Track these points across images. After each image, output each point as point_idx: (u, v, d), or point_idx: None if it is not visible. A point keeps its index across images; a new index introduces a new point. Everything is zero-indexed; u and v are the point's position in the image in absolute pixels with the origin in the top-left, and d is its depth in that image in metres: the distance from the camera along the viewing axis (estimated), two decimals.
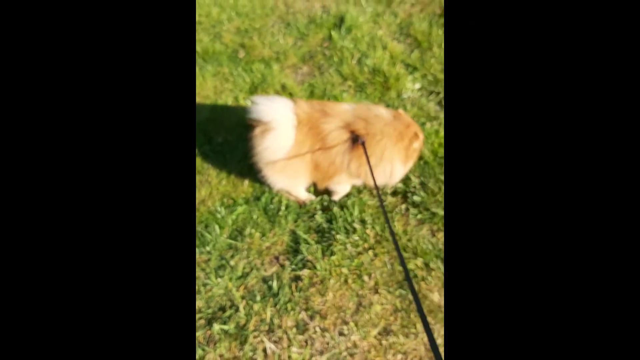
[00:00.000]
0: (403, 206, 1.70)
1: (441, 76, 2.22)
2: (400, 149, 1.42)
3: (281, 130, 1.38)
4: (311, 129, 1.41)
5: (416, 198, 1.69)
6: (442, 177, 1.73)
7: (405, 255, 1.54)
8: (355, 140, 1.38)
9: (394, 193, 1.75)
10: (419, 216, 1.65)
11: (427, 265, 1.51)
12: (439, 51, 2.39)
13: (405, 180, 1.76)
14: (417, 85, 2.22)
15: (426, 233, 1.61)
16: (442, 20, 2.61)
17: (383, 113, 1.43)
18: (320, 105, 1.46)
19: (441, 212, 1.63)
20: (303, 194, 1.74)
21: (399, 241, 1.58)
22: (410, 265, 1.51)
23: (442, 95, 2.14)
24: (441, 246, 1.56)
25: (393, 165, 1.43)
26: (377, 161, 1.40)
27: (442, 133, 1.93)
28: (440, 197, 1.68)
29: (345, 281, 1.50)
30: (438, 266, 1.50)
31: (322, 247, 1.59)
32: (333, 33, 2.58)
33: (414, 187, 1.73)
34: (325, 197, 1.75)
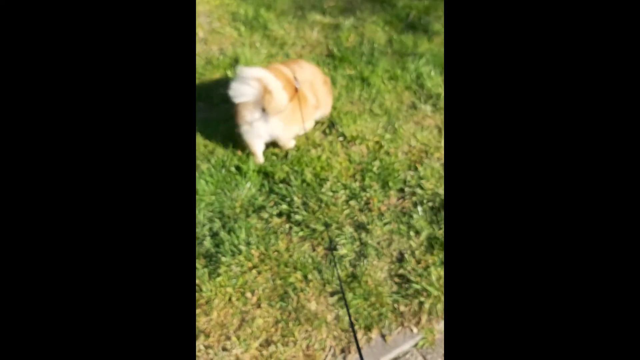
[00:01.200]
0: (287, 225, 1.83)
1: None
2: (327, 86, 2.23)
3: (277, 92, 1.84)
4: (289, 86, 1.94)
5: (298, 217, 1.84)
6: (323, 197, 1.90)
7: (286, 269, 1.66)
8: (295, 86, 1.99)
9: (279, 214, 1.87)
10: (301, 233, 1.79)
11: (305, 277, 1.64)
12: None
13: (289, 202, 1.90)
14: None
15: (307, 248, 1.75)
16: (328, 60, 2.89)
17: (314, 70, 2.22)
18: (282, 66, 2.06)
19: (321, 228, 1.78)
20: (292, 142, 2.21)
21: (281, 258, 1.70)
22: (291, 279, 1.62)
23: (326, 125, 2.36)
24: (319, 258, 1.70)
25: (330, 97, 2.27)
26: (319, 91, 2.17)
27: (323, 157, 2.12)
28: (320, 214, 1.84)
29: (230, 300, 1.58)
30: (315, 277, 1.64)
31: (209, 270, 1.66)
32: (228, 72, 2.75)
33: (297, 207, 1.87)
34: (215, 224, 1.83)
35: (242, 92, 1.80)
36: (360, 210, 1.89)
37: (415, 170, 2.08)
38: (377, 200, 1.93)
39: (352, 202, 1.91)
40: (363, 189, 1.97)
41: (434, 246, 1.73)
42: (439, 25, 3.31)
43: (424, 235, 1.78)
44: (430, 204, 1.91)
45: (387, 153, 2.18)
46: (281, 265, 1.67)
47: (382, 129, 2.34)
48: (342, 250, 1.72)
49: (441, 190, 1.97)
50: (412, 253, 1.71)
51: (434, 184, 2.01)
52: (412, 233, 1.79)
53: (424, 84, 2.67)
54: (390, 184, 2.00)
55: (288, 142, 2.16)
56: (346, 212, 1.87)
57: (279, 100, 1.84)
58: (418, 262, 1.68)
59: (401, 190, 2.00)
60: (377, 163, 2.10)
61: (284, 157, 2.14)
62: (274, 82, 1.82)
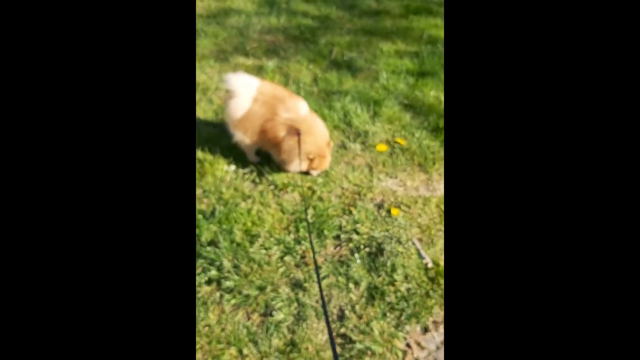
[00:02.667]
0: (217, 294, 1.68)
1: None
2: (315, 157, 2.07)
3: (239, 98, 2.03)
4: (267, 105, 2.04)
5: (229, 283, 1.70)
6: (255, 256, 1.78)
7: (219, 346, 1.51)
8: (294, 132, 2.01)
9: (208, 282, 1.72)
10: (233, 301, 1.65)
11: (240, 352, 1.49)
12: None
13: (219, 266, 1.76)
14: (232, 167, 2.31)
15: (241, 317, 1.61)
16: None
17: (323, 131, 2.12)
18: (283, 92, 2.13)
19: (254, 293, 1.65)
20: (253, 157, 2.31)
21: (212, 334, 1.55)
22: (225, 357, 1.47)
23: (255, 173, 2.26)
24: (255, 328, 1.56)
25: (303, 163, 2.11)
26: (296, 155, 2.05)
27: (254, 211, 2.01)
28: (253, 277, 1.71)
29: None
30: (251, 350, 1.50)
31: None
32: None
33: (228, 271, 1.73)
34: None
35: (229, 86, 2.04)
36: (297, 266, 1.79)
37: (349, 214, 2.03)
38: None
39: (287, 258, 1.81)
40: (298, 241, 1.88)
41: (374, 296, 1.66)
42: (362, 61, 3.37)
43: (363, 285, 1.70)
44: (367, 249, 1.86)
45: (321, 199, 2.12)
46: (213, 342, 1.51)
47: None
48: (278, 315, 1.59)
49: (377, 233, 1.92)
50: (353, 308, 1.63)
51: (369, 227, 1.97)
52: (351, 285, 1.71)
53: (352, 122, 2.67)
54: (326, 232, 1.92)
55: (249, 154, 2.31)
56: (281, 270, 1.76)
57: (234, 108, 2.05)
58: (359, 317, 1.60)
59: (337, 237, 1.93)
60: (310, 211, 2.02)
61: (211, 215, 2.00)
62: (243, 89, 2.03)
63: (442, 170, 2.34)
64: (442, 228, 1.98)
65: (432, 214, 2.05)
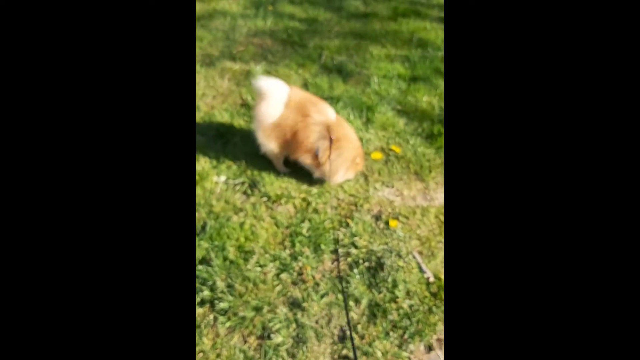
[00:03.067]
0: (211, 316, 1.59)
1: (241, 166, 2.26)
2: (350, 161, 2.02)
3: (271, 101, 1.94)
4: (298, 109, 1.95)
5: (223, 304, 1.60)
6: (250, 275, 1.69)
7: None
8: (328, 137, 1.93)
9: (201, 303, 1.63)
10: (228, 323, 1.56)
11: None
12: (239, 141, 2.46)
13: (212, 286, 1.66)
14: (222, 178, 2.21)
15: (237, 341, 1.52)
16: (243, 110, 2.72)
17: (353, 135, 2.05)
18: (313, 98, 2.04)
19: (250, 314, 1.57)
20: (281, 167, 2.21)
21: (208, 358, 1.45)
22: None
23: (247, 184, 2.16)
24: (252, 352, 1.48)
25: (340, 168, 2.02)
26: (337, 159, 1.97)
27: (247, 225, 1.92)
28: (249, 297, 1.62)
29: None
30: None
31: None
32: None
33: (221, 291, 1.64)
34: None
35: (260, 89, 1.96)
36: (294, 283, 1.71)
37: (346, 227, 1.96)
38: (311, 268, 1.76)
39: (284, 276, 1.72)
40: (294, 257, 1.80)
41: (376, 314, 1.59)
42: (352, 65, 3.30)
43: (364, 303, 1.63)
44: (366, 264, 1.79)
45: (316, 210, 2.04)
46: None
47: (308, 183, 2.20)
48: (277, 338, 1.51)
49: (375, 247, 1.86)
50: (354, 328, 1.55)
51: (367, 239, 1.90)
52: (351, 303, 1.63)
53: None
54: (323, 246, 1.85)
55: (277, 164, 2.22)
56: (278, 288, 1.68)
57: (266, 111, 1.96)
58: (362, 337, 1.53)
59: (335, 251, 1.85)
60: (306, 224, 1.95)
61: (202, 230, 1.90)
62: (277, 93, 1.95)
63: (439, 178, 2.29)
64: (442, 240, 1.93)
65: (432, 225, 2.00)
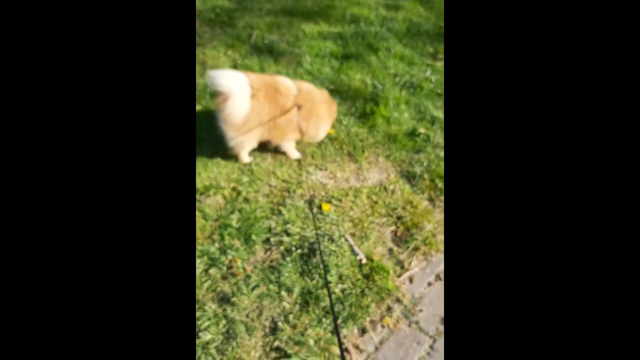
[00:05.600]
0: None
1: None
2: (326, 116, 2.15)
3: (238, 99, 1.81)
4: (267, 98, 1.91)
5: None
6: None
7: None
8: (299, 107, 1.99)
9: None
10: None
11: None
12: None
13: None
14: None
15: None
16: None
17: (317, 92, 2.12)
18: (270, 78, 1.98)
19: None
20: (247, 158, 2.18)
21: None
22: None
23: None
24: None
25: (321, 126, 2.15)
26: (314, 120, 2.08)
27: None
28: None
29: None
30: None
31: None
32: None
33: None
34: None
35: (213, 82, 1.78)
36: (223, 278, 1.65)
37: (279, 215, 1.91)
38: (241, 261, 1.70)
39: (213, 271, 1.66)
40: (223, 251, 1.73)
41: (308, 302, 1.58)
42: (283, 45, 3.20)
43: (296, 291, 1.61)
44: (299, 251, 1.76)
45: (247, 200, 1.97)
46: None
47: (238, 172, 2.12)
48: (205, 336, 1.46)
49: (308, 233, 1.83)
50: (286, 318, 1.53)
51: (300, 226, 1.86)
52: (283, 292, 1.61)
53: None
54: (254, 236, 1.79)
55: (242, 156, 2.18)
56: (206, 284, 1.62)
57: (234, 109, 1.83)
58: (294, 327, 1.50)
59: (267, 240, 1.81)
60: (236, 215, 1.88)
61: None
62: (239, 88, 1.82)
63: (371, 158, 2.29)
64: (375, 220, 1.93)
65: (364, 206, 2.00)
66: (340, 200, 2.01)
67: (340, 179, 2.16)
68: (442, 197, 2.08)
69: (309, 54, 3.09)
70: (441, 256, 1.84)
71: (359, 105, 2.63)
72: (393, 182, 2.14)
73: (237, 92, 1.80)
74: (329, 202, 2.00)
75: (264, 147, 2.27)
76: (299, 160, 2.23)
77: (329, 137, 2.39)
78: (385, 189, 2.10)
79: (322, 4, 3.91)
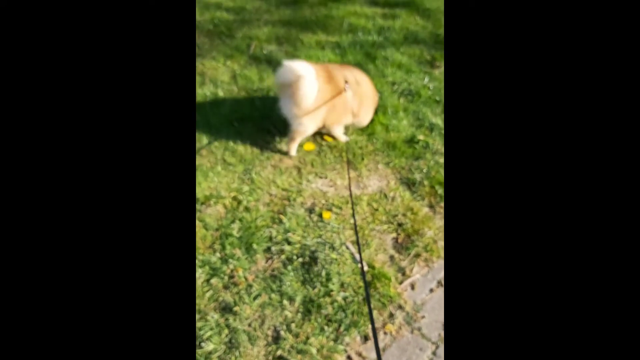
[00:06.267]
0: None
1: None
2: (371, 99, 2.42)
3: (308, 83, 2.03)
4: (327, 82, 2.14)
5: None
6: None
7: None
8: (346, 83, 2.22)
9: None
10: None
11: None
12: None
13: None
14: None
15: None
16: None
17: (364, 76, 2.40)
18: (324, 65, 2.26)
19: None
20: (295, 149, 2.34)
21: None
22: None
23: None
24: None
25: (369, 105, 2.43)
26: (363, 101, 2.34)
27: None
28: None
29: None
30: None
31: None
32: None
33: None
34: None
35: (280, 76, 2.05)
36: (225, 287, 1.65)
37: (279, 223, 1.92)
38: (243, 270, 1.71)
39: (214, 280, 1.66)
40: (224, 260, 1.73)
41: (310, 310, 1.58)
42: (282, 54, 3.23)
43: (298, 300, 1.61)
44: (300, 259, 1.76)
45: (247, 209, 1.98)
46: None
47: (239, 181, 2.13)
48: (208, 346, 1.45)
49: (309, 241, 1.83)
50: (288, 327, 1.53)
51: (300, 234, 1.87)
52: (285, 301, 1.61)
53: (276, 121, 2.53)
54: (255, 245, 1.80)
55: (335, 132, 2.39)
56: (208, 294, 1.62)
57: (307, 91, 2.03)
58: (296, 336, 1.50)
59: (268, 249, 1.81)
60: (237, 224, 1.88)
61: None
62: (309, 72, 2.02)
63: (371, 165, 2.30)
64: (375, 227, 1.94)
65: (364, 214, 2.00)
66: (340, 208, 2.02)
67: (340, 186, 2.16)
68: (442, 204, 2.08)
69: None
70: (442, 262, 1.84)
71: None
72: (393, 189, 2.15)
73: (307, 77, 2.01)
74: (330, 210, 2.01)
75: (263, 157, 2.28)
76: (298, 169, 2.24)
77: (328, 145, 2.40)
78: (386, 196, 2.10)
79: (319, 14, 3.95)
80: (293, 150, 2.31)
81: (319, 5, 4.20)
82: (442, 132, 2.54)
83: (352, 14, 3.99)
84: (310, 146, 2.39)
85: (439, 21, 3.99)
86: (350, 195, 1.92)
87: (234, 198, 2.03)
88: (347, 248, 1.83)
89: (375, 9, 4.18)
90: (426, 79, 3.02)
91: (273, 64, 3.13)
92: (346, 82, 2.21)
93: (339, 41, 3.47)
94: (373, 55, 3.24)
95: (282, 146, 2.38)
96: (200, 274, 1.68)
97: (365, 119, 2.43)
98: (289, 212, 1.97)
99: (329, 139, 2.43)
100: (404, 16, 4.01)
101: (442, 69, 3.23)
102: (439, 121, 2.62)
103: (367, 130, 2.51)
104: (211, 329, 1.51)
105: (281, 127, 2.50)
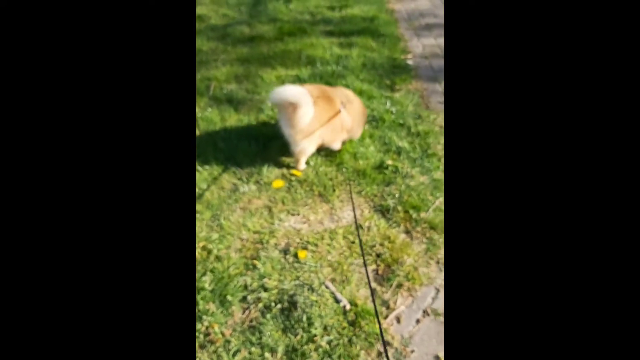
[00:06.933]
0: None
1: None
2: (361, 115, 2.55)
3: (304, 107, 2.08)
4: (324, 104, 2.23)
5: None
6: None
7: None
8: (343, 105, 2.34)
9: None
10: None
11: None
12: None
13: None
14: None
15: None
16: None
17: (349, 92, 2.54)
18: (321, 88, 2.34)
19: None
20: (304, 165, 2.44)
21: None
22: None
23: None
24: None
25: (361, 120, 2.57)
26: (355, 118, 2.45)
27: None
28: None
29: None
30: None
31: None
32: None
33: None
34: None
35: (275, 96, 2.06)
36: (202, 347, 1.54)
37: (254, 269, 1.83)
38: (219, 325, 1.60)
39: None
40: (198, 317, 1.62)
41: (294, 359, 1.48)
42: (243, 93, 3.20)
43: (280, 350, 1.52)
44: (279, 306, 1.67)
45: (218, 258, 1.88)
46: None
47: (207, 229, 2.04)
48: None
49: (287, 284, 1.75)
50: None
51: (277, 278, 1.78)
52: (267, 354, 1.51)
53: (242, 162, 2.47)
54: (230, 297, 1.70)
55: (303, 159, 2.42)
56: None
57: (303, 115, 2.10)
58: None
59: (244, 299, 1.71)
60: (208, 277, 1.78)
61: None
62: (304, 98, 2.07)
63: (343, 196, 2.25)
64: (354, 261, 1.88)
65: (341, 248, 1.94)
66: (316, 245, 1.95)
67: (314, 221, 2.10)
68: (418, 228, 2.05)
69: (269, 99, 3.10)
70: (426, 290, 1.79)
71: None
72: (368, 218, 2.10)
73: (303, 101, 2.06)
74: (305, 248, 1.94)
75: (231, 201, 2.21)
76: (269, 208, 2.18)
77: (297, 179, 2.35)
78: (361, 226, 2.05)
79: (277, 49, 3.97)
80: (301, 166, 2.41)
81: (275, 41, 4.23)
82: (410, 154, 2.54)
83: (309, 46, 4.04)
84: (279, 183, 2.33)
85: (395, 45, 4.08)
86: (358, 231, 1.86)
87: (204, 248, 1.94)
88: (327, 287, 1.75)
89: (332, 39, 4.25)
90: (388, 104, 3.04)
91: (234, 102, 3.10)
92: (342, 102, 2.32)
93: (299, 74, 3.49)
94: (333, 84, 3.26)
95: (251, 187, 2.31)
96: None
97: (358, 133, 2.57)
98: (262, 257, 1.89)
99: (298, 173, 2.38)
100: (360, 43, 4.09)
101: (403, 91, 3.27)
102: (406, 144, 2.62)
103: (336, 160, 2.48)
104: None
105: (247, 167, 2.44)
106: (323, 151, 2.57)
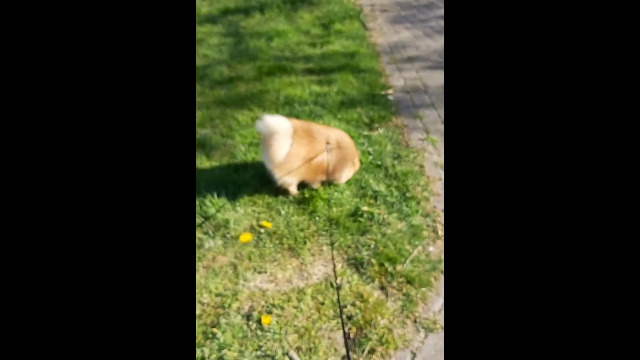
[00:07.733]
0: None
1: None
2: (350, 162, 2.43)
3: (281, 139, 2.10)
4: (306, 142, 2.20)
5: None
6: None
7: None
8: (328, 148, 2.26)
9: None
10: None
11: None
12: None
13: None
14: None
15: None
16: None
17: (348, 140, 2.44)
18: (309, 125, 2.29)
19: None
20: (295, 190, 2.41)
21: None
22: None
23: None
24: None
25: (346, 169, 2.44)
26: (340, 165, 2.37)
27: None
28: None
29: None
30: None
31: None
32: None
33: None
34: None
35: (260, 124, 2.06)
36: None
37: (213, 339, 1.66)
38: None
39: None
40: None
41: None
42: (217, 137, 3.11)
43: None
44: None
45: None
46: None
47: None
48: None
49: (247, 355, 1.58)
50: None
51: (237, 349, 1.62)
52: None
53: (209, 213, 2.34)
54: None
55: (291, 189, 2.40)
56: None
57: (279, 147, 2.10)
58: None
59: None
60: None
61: None
62: (283, 130, 2.08)
63: (314, 249, 2.11)
64: (322, 325, 1.72)
65: (309, 310, 1.78)
66: (282, 309, 1.80)
67: (281, 280, 1.95)
68: (394, 283, 1.90)
69: (243, 143, 3.01)
70: (401, 354, 1.63)
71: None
72: (340, 273, 1.96)
73: (280, 133, 2.06)
74: (270, 312, 1.78)
75: (195, 258, 2.06)
76: (234, 266, 2.03)
77: (267, 232, 2.22)
78: (332, 284, 1.90)
79: (255, 90, 3.92)
80: (292, 192, 2.41)
81: (254, 81, 4.18)
82: (387, 199, 2.42)
83: (287, 85, 3.99)
84: (247, 237, 2.20)
85: (375, 81, 4.03)
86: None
87: None
88: (291, 359, 1.59)
89: (311, 77, 4.21)
90: (365, 144, 2.95)
91: (206, 148, 3.00)
92: (327, 143, 2.25)
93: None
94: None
95: (217, 242, 2.17)
96: None
97: (342, 179, 2.48)
98: (223, 324, 1.73)
99: (268, 225, 2.25)
100: (340, 80, 4.04)
101: (382, 130, 3.18)
102: (383, 188, 2.50)
103: (308, 209, 2.35)
104: None
105: (215, 220, 2.31)
106: (295, 198, 2.45)
